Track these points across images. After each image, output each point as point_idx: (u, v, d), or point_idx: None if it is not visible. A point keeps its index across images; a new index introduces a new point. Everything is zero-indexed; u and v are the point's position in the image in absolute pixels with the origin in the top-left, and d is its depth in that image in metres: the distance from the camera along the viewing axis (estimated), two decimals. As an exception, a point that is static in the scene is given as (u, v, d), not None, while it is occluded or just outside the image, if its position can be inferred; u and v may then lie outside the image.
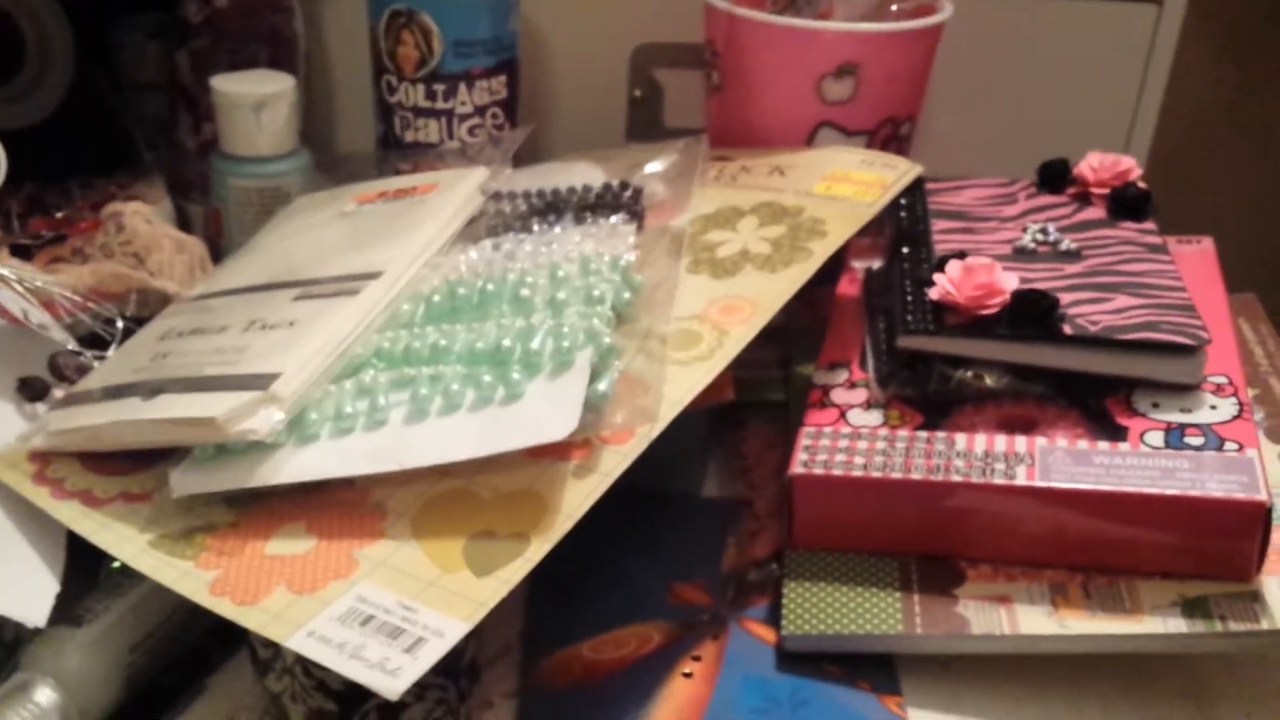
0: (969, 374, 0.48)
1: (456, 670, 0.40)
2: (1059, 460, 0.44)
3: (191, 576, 0.38)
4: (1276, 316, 0.58)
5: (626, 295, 0.46)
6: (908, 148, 0.64)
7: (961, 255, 0.50)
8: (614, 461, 0.39)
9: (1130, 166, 0.58)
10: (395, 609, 0.36)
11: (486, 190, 0.55)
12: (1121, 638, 0.41)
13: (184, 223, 0.67)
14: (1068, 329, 0.47)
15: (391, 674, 0.33)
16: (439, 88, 0.63)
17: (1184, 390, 0.46)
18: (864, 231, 0.52)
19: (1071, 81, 0.71)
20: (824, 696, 0.42)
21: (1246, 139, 0.90)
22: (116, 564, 0.42)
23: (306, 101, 0.69)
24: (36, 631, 0.39)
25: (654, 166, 0.57)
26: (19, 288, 0.51)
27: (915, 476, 0.44)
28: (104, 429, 0.42)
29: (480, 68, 0.63)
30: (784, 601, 0.44)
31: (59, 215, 0.62)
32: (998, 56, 0.71)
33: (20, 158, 0.54)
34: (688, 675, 0.43)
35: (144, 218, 0.57)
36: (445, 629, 0.35)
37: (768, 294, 0.47)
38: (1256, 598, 0.41)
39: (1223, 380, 0.47)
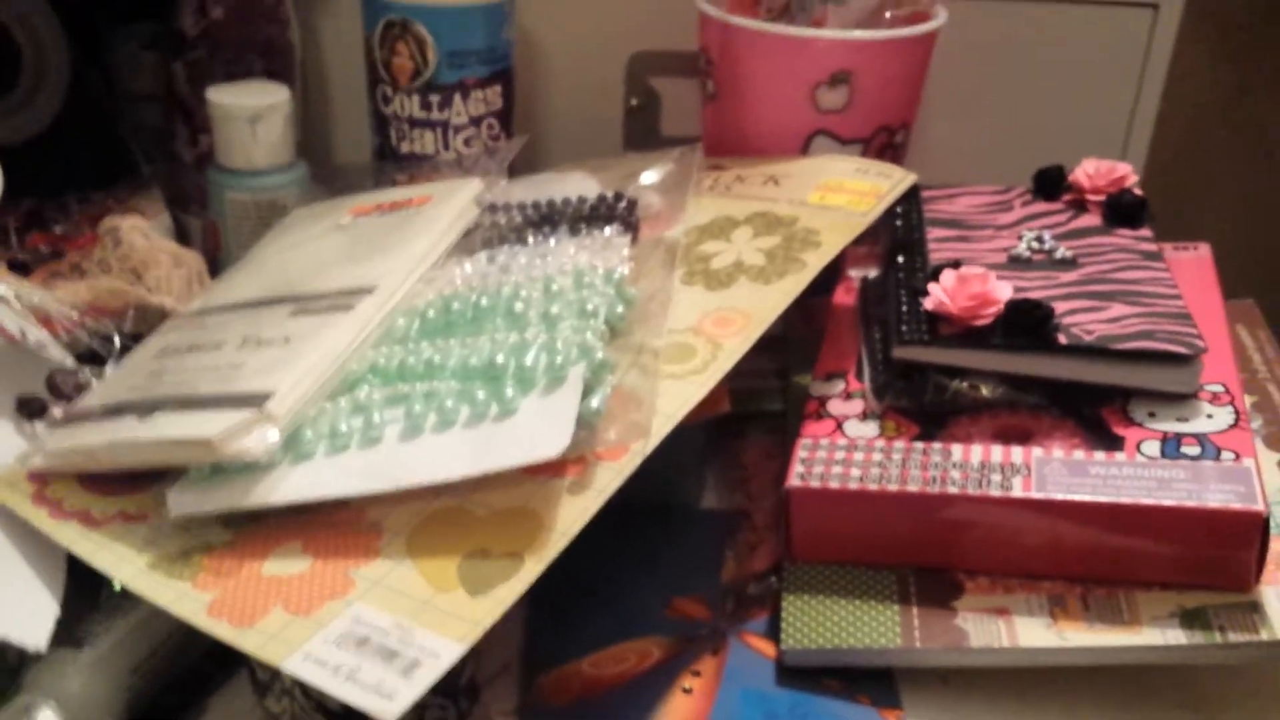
0: (964, 384, 0.48)
1: (455, 689, 0.40)
2: (1055, 471, 0.44)
3: (189, 598, 0.38)
4: (1275, 322, 0.58)
5: (620, 309, 0.46)
6: (903, 155, 0.64)
7: (956, 264, 0.50)
8: (608, 478, 0.39)
9: (1126, 173, 0.58)
10: (391, 630, 0.36)
11: (482, 202, 0.55)
12: (1121, 649, 0.41)
13: (182, 235, 0.67)
14: (1062, 339, 0.47)
15: (387, 697, 0.33)
16: (434, 98, 0.63)
17: (1180, 399, 0.46)
18: (860, 240, 0.52)
19: (1067, 87, 0.71)
20: (824, 711, 0.42)
21: (1244, 142, 0.89)
22: (116, 584, 0.42)
23: (303, 113, 0.69)
24: (38, 654, 0.40)
25: (649, 177, 0.57)
26: (17, 305, 0.51)
27: (912, 489, 0.44)
28: (100, 449, 0.42)
29: (475, 78, 0.63)
30: (783, 615, 0.44)
31: (57, 231, 0.62)
32: (993, 62, 0.71)
33: (18, 172, 0.54)
34: (687, 691, 0.43)
35: (141, 232, 0.57)
36: (441, 650, 0.35)
37: (762, 306, 0.47)
38: (1256, 608, 0.41)
39: (1219, 389, 0.47)
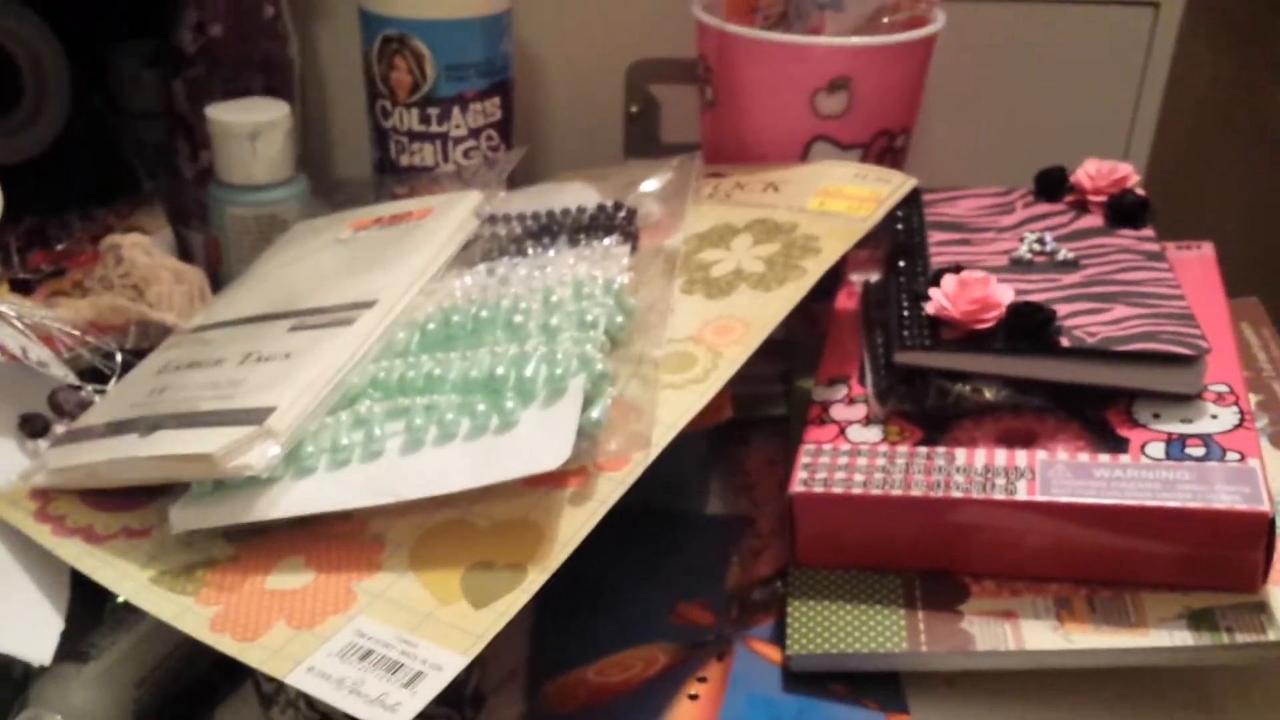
0: (967, 388, 0.48)
1: (460, 699, 0.40)
2: (1059, 474, 0.43)
3: (192, 613, 0.38)
4: (1279, 320, 0.58)
5: (620, 319, 0.46)
6: (903, 159, 0.64)
7: (957, 269, 0.50)
8: (609, 488, 0.39)
9: (1128, 173, 0.57)
10: (394, 643, 0.36)
11: (481, 214, 0.56)
12: (1127, 651, 0.41)
13: (184, 250, 0.67)
14: (1065, 341, 0.46)
15: (391, 710, 0.33)
16: (433, 111, 0.63)
17: (1185, 400, 0.46)
18: (862, 244, 0.52)
19: (1068, 87, 0.71)
20: (830, 715, 0.42)
21: (1247, 139, 0.89)
22: (120, 599, 0.42)
23: (302, 127, 0.69)
24: (43, 668, 0.40)
25: (648, 185, 0.57)
26: (18, 324, 0.52)
27: (915, 493, 0.44)
28: (102, 467, 0.43)
29: (473, 90, 0.63)
30: (788, 621, 0.44)
31: (59, 248, 0.62)
32: (993, 64, 0.71)
33: (19, 190, 0.54)
34: (693, 697, 0.43)
35: (143, 249, 0.57)
36: (444, 662, 0.35)
37: (762, 314, 0.47)
38: (1263, 609, 0.41)
39: (1224, 389, 0.47)
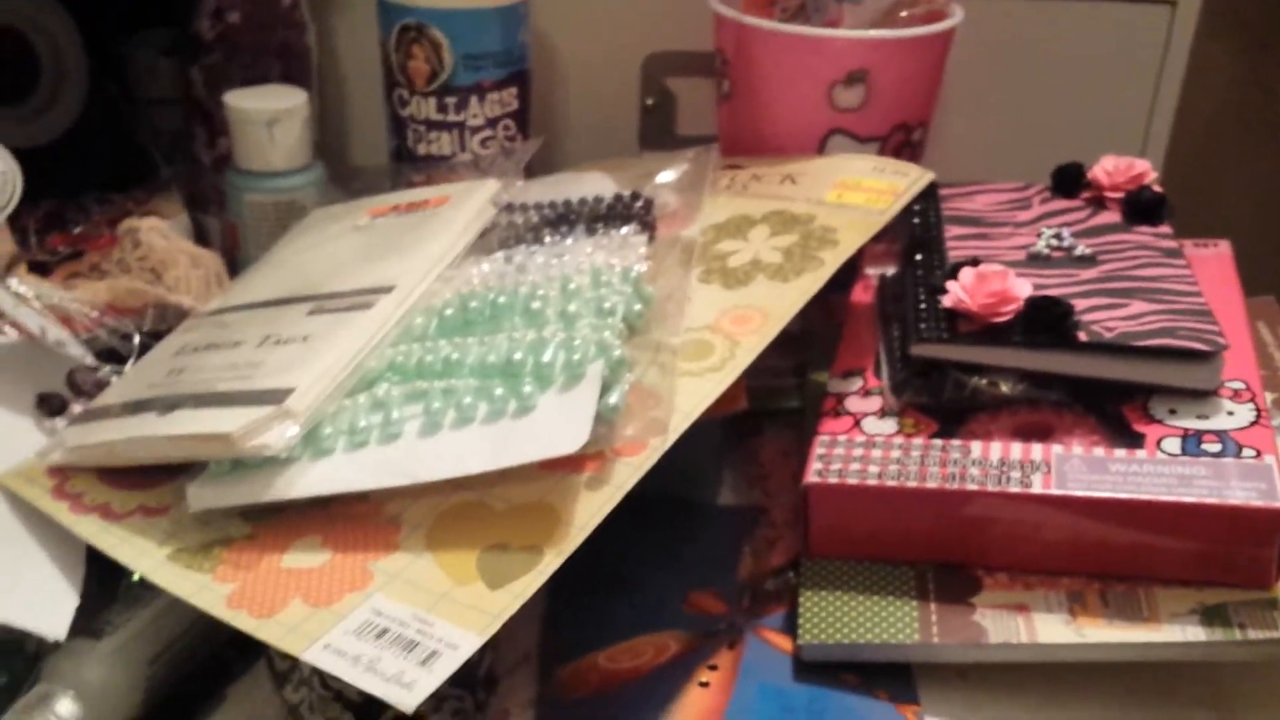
0: (984, 381, 0.48)
1: (473, 681, 0.40)
2: (1075, 468, 0.43)
3: (209, 590, 0.39)
4: (1295, 319, 0.58)
5: (638, 307, 0.46)
6: (920, 153, 0.63)
7: (975, 262, 0.50)
8: (626, 474, 0.40)
9: (1145, 170, 0.57)
10: (410, 621, 0.36)
11: (498, 202, 0.56)
12: (1140, 646, 0.41)
13: (201, 236, 0.67)
14: (1082, 336, 0.46)
15: (407, 687, 0.33)
16: (450, 100, 0.63)
17: (1201, 396, 0.46)
18: (878, 237, 0.52)
19: (1086, 84, 0.71)
20: (841, 706, 0.42)
21: (1262, 137, 0.89)
22: (136, 576, 0.42)
23: (319, 115, 0.69)
24: (57, 644, 0.40)
25: (665, 176, 0.57)
26: (37, 304, 0.52)
27: (930, 485, 0.44)
28: (120, 445, 0.43)
29: (491, 80, 0.63)
30: (800, 611, 0.44)
31: (76, 231, 0.62)
32: (1011, 60, 0.71)
33: (37, 175, 0.55)
34: (704, 685, 0.43)
35: (160, 233, 0.58)
36: (459, 642, 0.35)
37: (779, 304, 0.47)
38: (1275, 605, 0.41)
39: (1240, 386, 0.47)
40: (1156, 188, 0.56)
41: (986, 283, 0.48)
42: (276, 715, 0.41)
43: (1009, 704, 0.42)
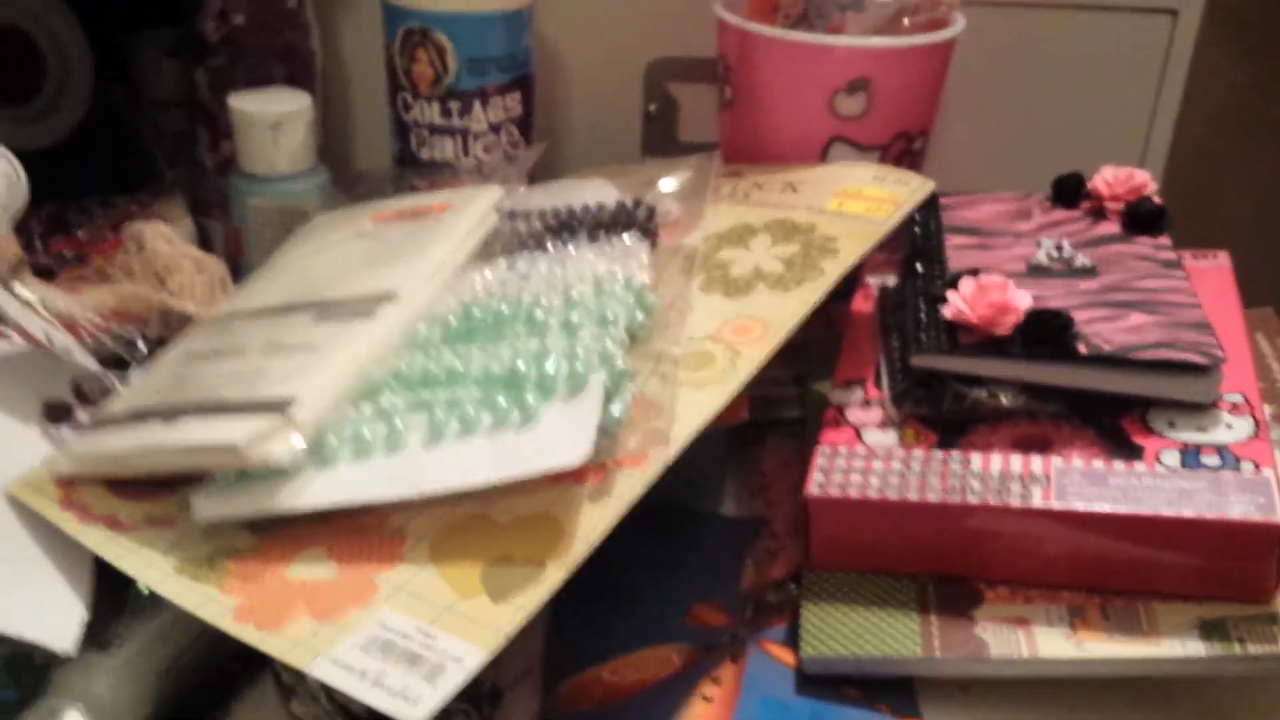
0: (984, 393, 0.48)
1: (478, 695, 0.40)
2: (1074, 481, 0.44)
3: (216, 602, 0.39)
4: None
5: (640, 316, 0.46)
6: (921, 162, 0.64)
7: (975, 273, 0.50)
8: (629, 485, 0.40)
9: (1145, 181, 0.58)
10: (415, 635, 0.36)
11: (502, 209, 0.56)
12: (1140, 660, 0.41)
13: (205, 240, 0.67)
14: (1082, 348, 0.47)
15: (413, 702, 0.34)
16: (454, 105, 0.63)
17: (1200, 409, 0.46)
18: (879, 246, 0.52)
19: (1086, 93, 0.71)
20: (844, 719, 0.42)
21: (1264, 147, 0.89)
22: (143, 588, 0.42)
23: (323, 119, 0.69)
24: (65, 656, 0.40)
25: (668, 184, 0.57)
26: (42, 310, 0.52)
27: (931, 498, 0.44)
28: (127, 455, 0.43)
29: (494, 85, 0.63)
30: (803, 624, 0.45)
31: (80, 235, 0.62)
32: (1011, 69, 0.71)
33: (41, 177, 0.55)
34: (707, 699, 0.43)
35: (164, 238, 0.58)
36: (464, 656, 0.35)
37: (780, 314, 0.47)
38: (1275, 620, 0.41)
39: (1239, 399, 0.47)
40: (1156, 199, 0.57)
41: (986, 294, 0.49)
42: (282, 727, 0.41)
43: (1010, 717, 0.43)
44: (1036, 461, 0.45)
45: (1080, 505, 0.43)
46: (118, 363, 0.51)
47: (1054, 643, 0.42)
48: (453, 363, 0.45)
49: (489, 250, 0.54)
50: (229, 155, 0.65)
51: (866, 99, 0.60)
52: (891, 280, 0.59)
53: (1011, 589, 0.44)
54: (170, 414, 0.44)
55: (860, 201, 0.55)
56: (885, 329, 0.55)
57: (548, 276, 0.50)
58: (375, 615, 0.37)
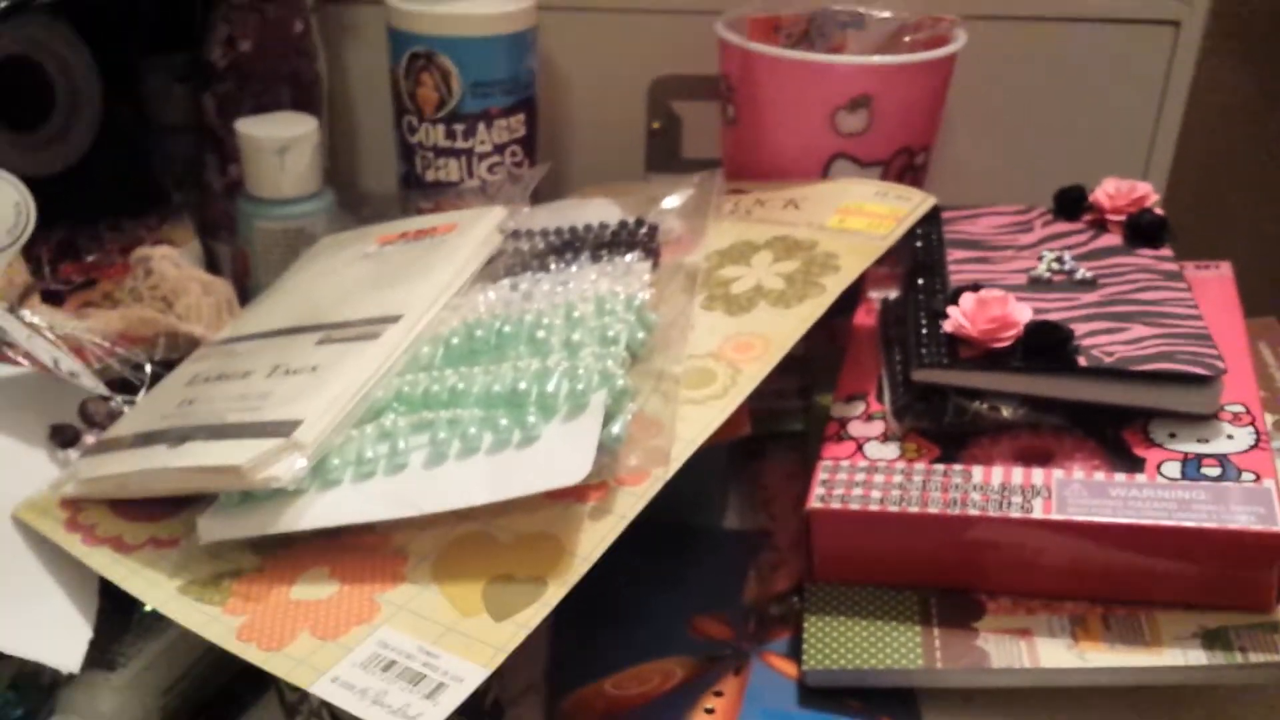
0: (985, 406, 0.48)
1: (480, 710, 0.41)
2: (1076, 493, 0.44)
3: (219, 622, 0.39)
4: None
5: (641, 335, 0.47)
6: (923, 177, 0.64)
7: (975, 287, 0.50)
8: (629, 503, 0.40)
9: (1146, 193, 0.58)
10: (416, 654, 0.36)
11: (505, 229, 0.56)
12: (1142, 670, 0.41)
13: (212, 263, 0.68)
14: (1083, 360, 0.47)
15: (413, 720, 0.34)
16: (458, 127, 0.64)
17: (1201, 420, 0.46)
18: (881, 261, 0.52)
19: (1088, 106, 0.71)
20: (845, 732, 0.42)
21: (1266, 158, 0.89)
22: (148, 608, 0.43)
23: (329, 141, 0.70)
24: (71, 676, 0.40)
25: (670, 202, 0.57)
26: (50, 335, 0.53)
27: (932, 510, 0.44)
28: (132, 478, 0.43)
29: (498, 107, 0.64)
30: (805, 636, 0.45)
31: (89, 260, 0.63)
32: (1013, 82, 0.71)
33: (50, 202, 0.55)
34: (710, 711, 0.44)
35: (172, 261, 0.58)
36: (465, 674, 0.35)
37: (781, 331, 0.47)
38: (1277, 629, 0.41)
39: (1240, 409, 0.47)
40: (1158, 210, 0.57)
41: (987, 308, 0.49)
42: (287, 744, 0.42)
43: (1012, 729, 0.43)
44: (1037, 473, 0.45)
45: (1081, 516, 0.43)
46: (124, 386, 0.52)
47: (1055, 653, 0.42)
48: (455, 383, 0.45)
49: (492, 270, 0.54)
50: (236, 179, 0.65)
51: (868, 116, 0.60)
52: (893, 294, 0.59)
53: (1013, 600, 0.44)
54: (176, 437, 0.44)
55: (862, 218, 0.55)
56: (887, 343, 0.55)
57: (550, 296, 0.51)
58: (377, 634, 0.38)
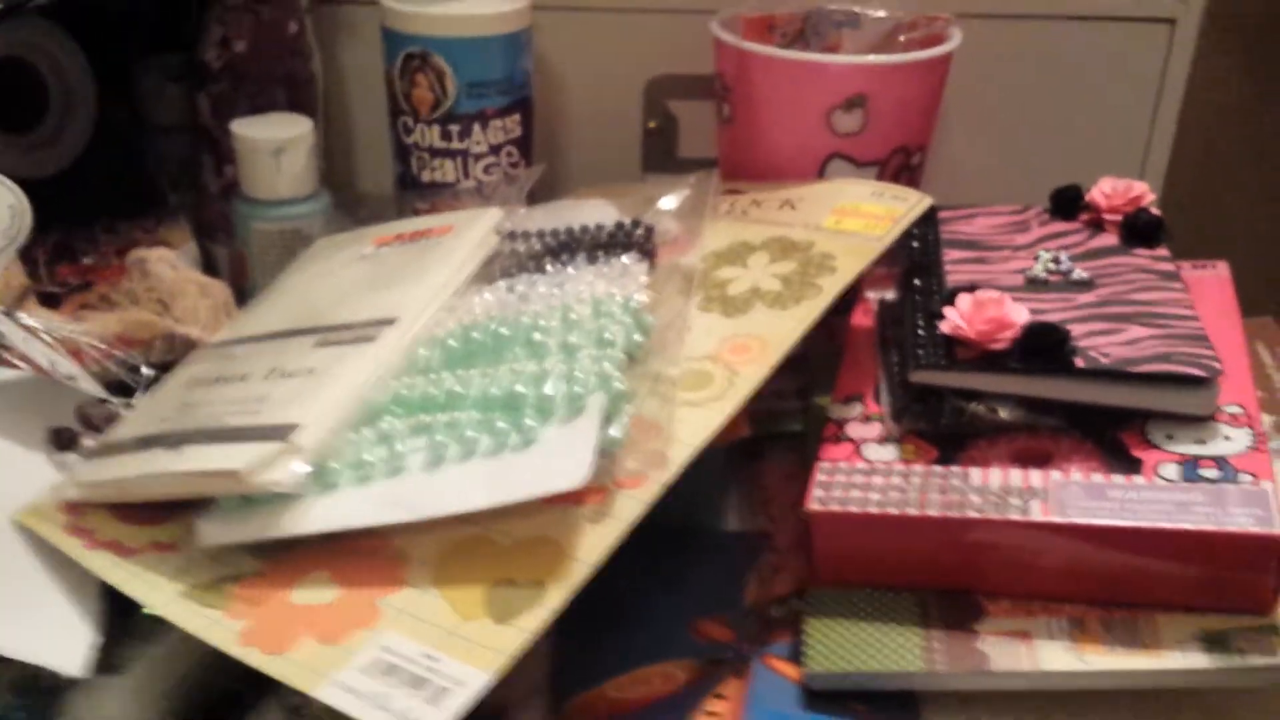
0: (982, 407, 0.48)
1: (484, 716, 0.41)
2: (1073, 494, 0.44)
3: (221, 626, 0.39)
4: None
5: (638, 337, 0.47)
6: (919, 176, 0.64)
7: (972, 288, 0.50)
8: (629, 506, 0.40)
9: (1143, 192, 0.58)
10: (418, 658, 0.36)
11: (501, 230, 0.56)
12: (1142, 673, 0.41)
13: (209, 264, 0.68)
14: (1080, 361, 0.47)
15: (415, 725, 0.34)
16: (454, 128, 0.64)
17: (1198, 421, 0.46)
18: (878, 261, 0.52)
19: (1084, 105, 0.72)
20: (846, 734, 0.43)
21: (1263, 156, 0.89)
22: (147, 610, 0.43)
23: (325, 142, 0.70)
24: (74, 680, 0.40)
25: (666, 202, 0.57)
26: (47, 338, 0.53)
27: (931, 513, 0.44)
28: (131, 482, 0.43)
29: (493, 108, 0.64)
30: (806, 639, 0.45)
31: (85, 262, 0.63)
32: (1009, 81, 0.71)
33: (45, 204, 0.55)
34: (712, 714, 0.44)
35: (168, 263, 0.58)
36: (467, 678, 0.35)
37: (778, 332, 0.47)
38: (1276, 631, 0.41)
39: (1237, 410, 0.47)
40: (1154, 210, 0.57)
41: (983, 309, 0.49)
42: (288, 748, 0.42)
43: (1011, 730, 0.43)
44: (1035, 475, 0.45)
45: (1079, 518, 0.43)
46: (122, 388, 0.52)
47: (1056, 655, 0.42)
48: (452, 386, 0.45)
49: (488, 272, 0.54)
50: (232, 179, 0.65)
51: (864, 115, 0.60)
52: (890, 295, 0.59)
53: (1013, 602, 0.44)
54: (175, 441, 0.44)
55: (858, 218, 0.55)
56: (884, 344, 0.55)
57: (546, 298, 0.51)
58: (379, 638, 0.38)
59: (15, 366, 0.50)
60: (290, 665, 0.37)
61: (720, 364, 0.46)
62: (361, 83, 0.73)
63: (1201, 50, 0.71)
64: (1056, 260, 0.54)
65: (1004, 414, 0.48)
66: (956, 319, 0.49)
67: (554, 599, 0.38)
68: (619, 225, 0.55)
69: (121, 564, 0.42)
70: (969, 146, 0.72)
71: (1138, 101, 0.71)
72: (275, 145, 0.61)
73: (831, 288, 0.50)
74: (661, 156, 0.74)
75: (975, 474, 0.46)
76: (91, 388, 0.50)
